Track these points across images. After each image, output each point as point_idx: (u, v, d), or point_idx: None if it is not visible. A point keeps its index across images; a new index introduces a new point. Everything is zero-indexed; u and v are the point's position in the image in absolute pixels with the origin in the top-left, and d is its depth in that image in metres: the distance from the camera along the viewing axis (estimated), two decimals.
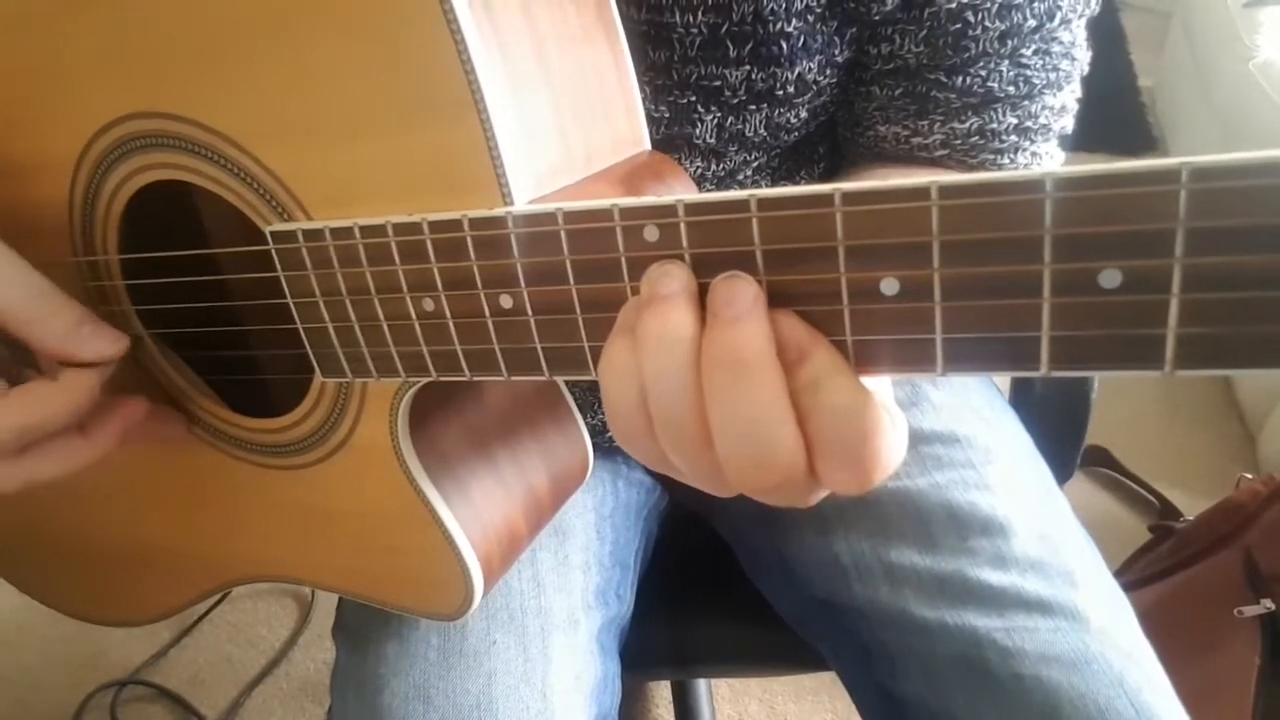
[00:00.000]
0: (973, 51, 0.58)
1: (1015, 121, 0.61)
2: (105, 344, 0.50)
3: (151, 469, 0.61)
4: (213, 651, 1.57)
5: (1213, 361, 0.27)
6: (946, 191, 0.29)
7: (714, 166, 0.65)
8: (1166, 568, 1.33)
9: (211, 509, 0.61)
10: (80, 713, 1.47)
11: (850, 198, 0.31)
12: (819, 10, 0.57)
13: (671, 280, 0.35)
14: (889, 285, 0.31)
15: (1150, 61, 2.72)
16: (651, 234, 0.35)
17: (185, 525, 0.62)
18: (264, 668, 1.53)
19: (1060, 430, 0.86)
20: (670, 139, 0.62)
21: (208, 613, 1.59)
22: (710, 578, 0.86)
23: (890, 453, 0.34)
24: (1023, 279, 0.29)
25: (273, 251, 0.45)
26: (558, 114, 0.42)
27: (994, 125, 0.61)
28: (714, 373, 0.34)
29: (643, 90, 0.59)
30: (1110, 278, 0.28)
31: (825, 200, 0.31)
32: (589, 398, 0.73)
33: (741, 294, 0.34)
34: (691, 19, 0.56)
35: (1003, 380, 0.92)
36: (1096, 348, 0.29)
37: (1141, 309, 0.28)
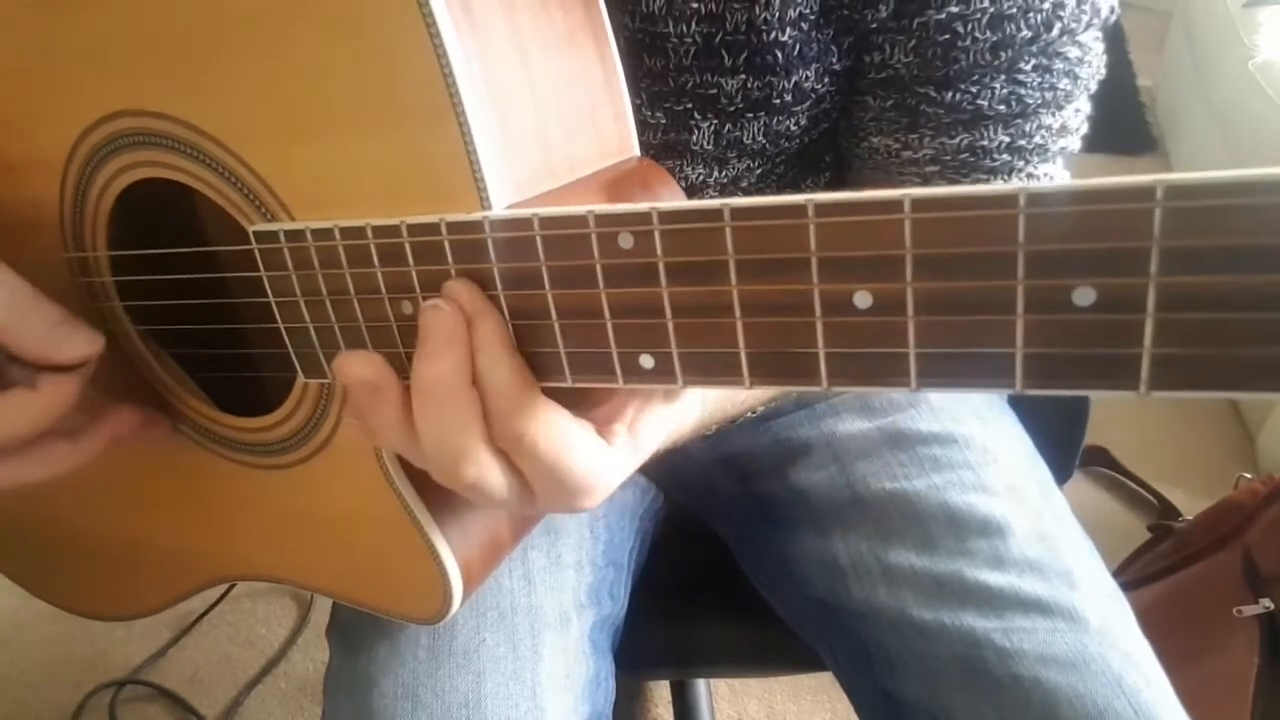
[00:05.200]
0: (963, 64, 0.57)
1: (1007, 140, 0.60)
2: (82, 343, 0.49)
3: (139, 466, 0.61)
4: (212, 651, 1.57)
5: (1188, 383, 0.27)
6: (919, 204, 0.29)
7: (716, 173, 0.64)
8: (1165, 567, 1.33)
9: (196, 507, 0.61)
10: (79, 712, 1.46)
11: (823, 209, 0.30)
12: (813, 18, 0.56)
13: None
14: (862, 298, 0.31)
15: (1150, 61, 2.72)
16: (626, 241, 0.35)
17: (171, 522, 0.62)
18: (263, 667, 1.53)
19: (1059, 430, 0.85)
20: (668, 145, 0.62)
21: (207, 612, 1.59)
22: (709, 578, 0.87)
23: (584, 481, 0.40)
24: (996, 295, 0.29)
25: (255, 251, 0.46)
26: (540, 119, 0.42)
27: (984, 142, 0.60)
28: (414, 396, 0.39)
29: (638, 97, 0.58)
30: (1084, 295, 0.27)
31: (798, 211, 0.31)
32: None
33: (438, 329, 0.38)
34: (685, 29, 0.56)
35: None
36: (1070, 366, 0.29)
37: (1116, 328, 0.27)
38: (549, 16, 0.43)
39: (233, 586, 1.53)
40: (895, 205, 0.29)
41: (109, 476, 0.62)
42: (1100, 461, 1.73)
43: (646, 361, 0.37)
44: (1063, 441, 0.85)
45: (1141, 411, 1.89)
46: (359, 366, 0.40)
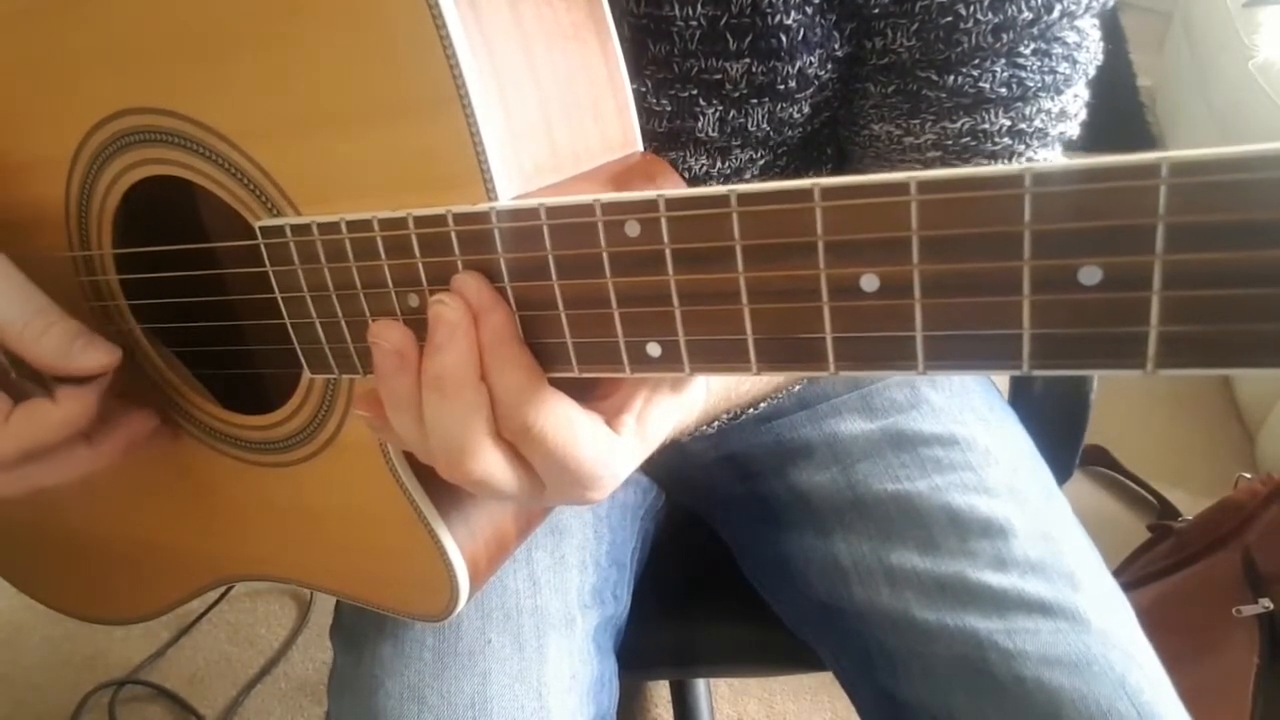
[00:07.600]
0: (965, 46, 0.57)
1: (1008, 124, 0.60)
2: (99, 357, 0.50)
3: (142, 466, 0.61)
4: (211, 651, 1.57)
5: (1195, 361, 0.27)
6: (925, 186, 0.29)
7: (719, 164, 0.64)
8: (1165, 567, 1.33)
9: (200, 506, 0.61)
10: (79, 712, 1.46)
11: (829, 192, 0.30)
12: (817, 3, 0.57)
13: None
14: (869, 281, 0.31)
15: (1150, 61, 2.71)
16: (633, 229, 0.35)
17: (174, 522, 0.62)
18: (263, 667, 1.53)
19: (1059, 430, 0.86)
20: (673, 133, 0.62)
21: (206, 612, 1.59)
22: (709, 578, 0.86)
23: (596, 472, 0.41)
24: (1002, 275, 0.29)
25: (261, 247, 0.45)
26: (544, 112, 0.42)
27: (986, 126, 0.60)
28: (423, 389, 0.40)
29: (644, 84, 0.59)
30: (1090, 274, 0.27)
31: (805, 195, 0.31)
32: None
33: (444, 322, 0.39)
34: (690, 12, 0.56)
35: (1002, 380, 0.91)
36: (1077, 346, 0.29)
37: (1122, 306, 0.27)
38: (552, 10, 0.43)
39: (232, 586, 1.53)
40: (901, 187, 0.29)
41: (111, 477, 0.62)
42: (1100, 461, 1.73)
43: (653, 350, 0.37)
44: (1062, 441, 0.85)
45: (1141, 411, 1.89)
46: (392, 331, 0.41)
